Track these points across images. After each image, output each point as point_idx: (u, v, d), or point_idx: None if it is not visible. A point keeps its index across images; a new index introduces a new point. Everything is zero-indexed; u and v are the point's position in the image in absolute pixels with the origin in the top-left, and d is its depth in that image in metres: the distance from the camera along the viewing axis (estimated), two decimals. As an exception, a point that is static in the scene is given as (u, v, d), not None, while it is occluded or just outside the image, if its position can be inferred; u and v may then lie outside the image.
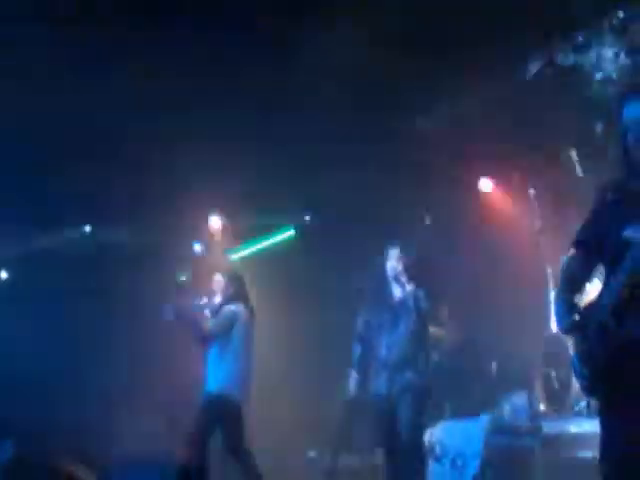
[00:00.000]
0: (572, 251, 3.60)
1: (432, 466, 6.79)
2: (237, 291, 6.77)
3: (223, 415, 6.35)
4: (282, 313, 9.49)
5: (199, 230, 10.61)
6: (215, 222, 10.62)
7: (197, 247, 10.91)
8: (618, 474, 3.23)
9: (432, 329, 8.43)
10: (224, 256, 10.65)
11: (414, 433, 5.73)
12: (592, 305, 3.36)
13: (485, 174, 9.14)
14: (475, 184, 9.27)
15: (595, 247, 3.46)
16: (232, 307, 6.64)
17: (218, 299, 6.79)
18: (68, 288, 9.69)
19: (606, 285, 3.31)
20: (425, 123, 8.49)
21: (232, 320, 6.56)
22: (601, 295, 3.32)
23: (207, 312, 6.84)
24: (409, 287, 5.86)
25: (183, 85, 7.37)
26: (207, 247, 10.77)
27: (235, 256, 10.85)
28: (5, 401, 8.22)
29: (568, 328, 3.42)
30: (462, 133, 8.20)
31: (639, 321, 3.11)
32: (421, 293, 5.86)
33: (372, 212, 9.27)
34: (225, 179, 9.24)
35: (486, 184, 9.27)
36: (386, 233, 9.53)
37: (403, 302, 5.85)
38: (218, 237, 10.73)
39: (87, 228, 10.51)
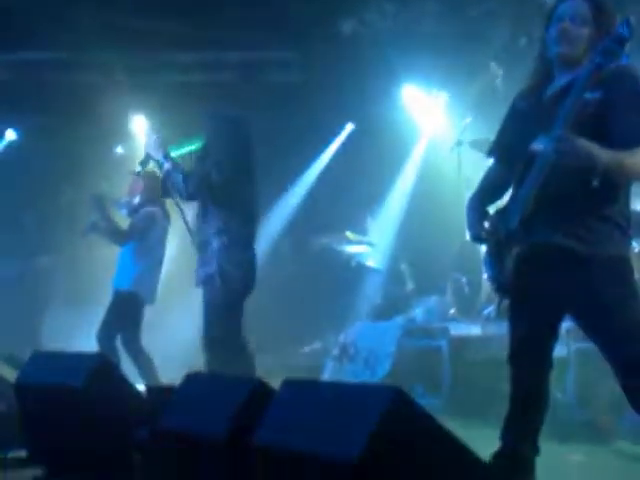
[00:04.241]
0: (490, 160, 3.73)
1: (346, 365, 7.07)
2: (154, 193, 6.71)
3: (126, 311, 6.52)
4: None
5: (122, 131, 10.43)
6: (139, 123, 10.47)
7: (119, 150, 10.76)
8: (512, 373, 3.47)
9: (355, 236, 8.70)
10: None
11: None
12: (502, 212, 3.49)
13: (407, 82, 9.20)
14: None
15: (507, 156, 3.55)
16: (149, 209, 6.69)
17: (136, 199, 6.80)
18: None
19: (515, 194, 3.45)
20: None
21: (149, 223, 6.64)
22: (510, 203, 3.45)
23: (124, 211, 6.88)
24: None
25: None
26: (129, 150, 10.63)
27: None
28: None
29: (477, 236, 3.56)
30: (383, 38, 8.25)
31: (544, 228, 3.26)
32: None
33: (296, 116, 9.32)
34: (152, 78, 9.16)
35: (410, 93, 9.35)
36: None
37: None
38: (141, 140, 10.59)
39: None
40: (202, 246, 5.13)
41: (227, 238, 5.03)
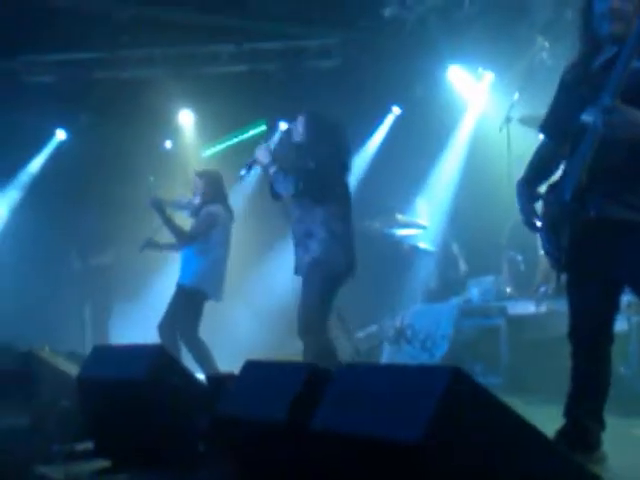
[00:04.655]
0: (540, 137, 3.69)
1: (403, 348, 7.06)
2: (215, 192, 6.83)
3: (186, 305, 6.62)
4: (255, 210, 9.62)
5: (169, 126, 10.54)
6: (185, 117, 10.56)
7: (168, 144, 10.87)
8: (573, 348, 3.43)
9: (406, 218, 8.66)
10: (195, 153, 10.62)
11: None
12: (555, 186, 3.45)
13: (452, 63, 9.09)
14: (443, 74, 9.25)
15: (558, 131, 3.52)
16: (211, 209, 6.73)
17: (197, 200, 6.86)
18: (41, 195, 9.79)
19: (567, 167, 3.40)
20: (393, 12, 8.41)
21: (211, 223, 6.69)
22: (563, 177, 3.41)
23: (187, 212, 6.96)
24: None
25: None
26: (178, 144, 10.75)
27: (207, 152, 10.81)
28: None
29: (529, 221, 3.52)
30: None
31: (598, 201, 3.22)
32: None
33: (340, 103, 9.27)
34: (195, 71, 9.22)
35: (455, 74, 9.25)
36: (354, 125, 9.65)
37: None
38: (189, 133, 10.70)
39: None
40: (305, 236, 5.28)
41: (334, 227, 5.24)
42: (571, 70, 3.48)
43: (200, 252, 6.67)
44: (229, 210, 6.86)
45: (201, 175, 6.93)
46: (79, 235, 9.76)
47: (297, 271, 5.37)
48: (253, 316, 9.65)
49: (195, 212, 6.82)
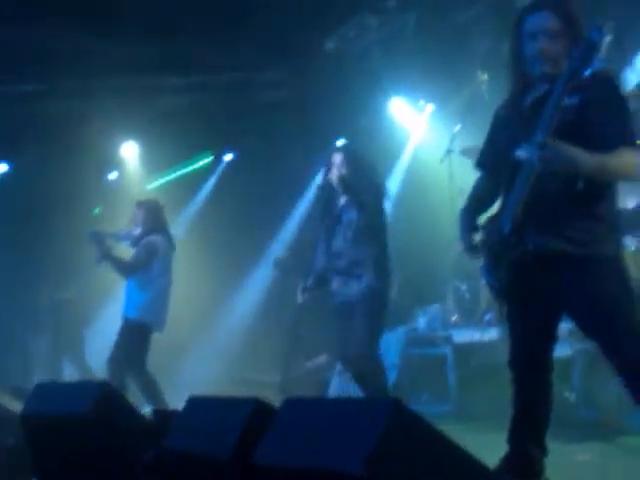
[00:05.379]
0: (478, 172, 3.77)
1: (351, 379, 7.06)
2: (155, 221, 6.82)
3: (132, 338, 6.56)
4: (200, 240, 9.61)
5: (114, 157, 10.48)
6: (129, 149, 10.52)
7: (111, 176, 10.81)
8: (513, 377, 3.50)
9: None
10: (140, 185, 10.57)
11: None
12: (494, 219, 3.52)
13: (394, 94, 9.21)
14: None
15: (493, 166, 3.61)
16: (151, 239, 6.71)
17: (137, 230, 6.84)
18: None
19: (504, 201, 3.48)
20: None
21: (152, 252, 6.67)
22: (501, 210, 3.48)
23: (127, 243, 6.94)
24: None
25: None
26: (123, 175, 10.70)
27: (152, 184, 10.77)
28: None
29: (469, 248, 3.61)
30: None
31: (535, 233, 3.29)
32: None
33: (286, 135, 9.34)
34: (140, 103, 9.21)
35: (397, 105, 9.36)
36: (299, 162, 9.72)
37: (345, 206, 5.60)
38: (134, 164, 10.66)
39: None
40: (351, 265, 5.42)
41: (381, 261, 5.44)
42: (504, 107, 3.58)
43: (142, 284, 6.65)
44: (170, 239, 6.86)
45: (140, 205, 6.93)
46: (25, 269, 9.62)
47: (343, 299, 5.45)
48: (213, 349, 9.62)
49: (136, 242, 6.80)
